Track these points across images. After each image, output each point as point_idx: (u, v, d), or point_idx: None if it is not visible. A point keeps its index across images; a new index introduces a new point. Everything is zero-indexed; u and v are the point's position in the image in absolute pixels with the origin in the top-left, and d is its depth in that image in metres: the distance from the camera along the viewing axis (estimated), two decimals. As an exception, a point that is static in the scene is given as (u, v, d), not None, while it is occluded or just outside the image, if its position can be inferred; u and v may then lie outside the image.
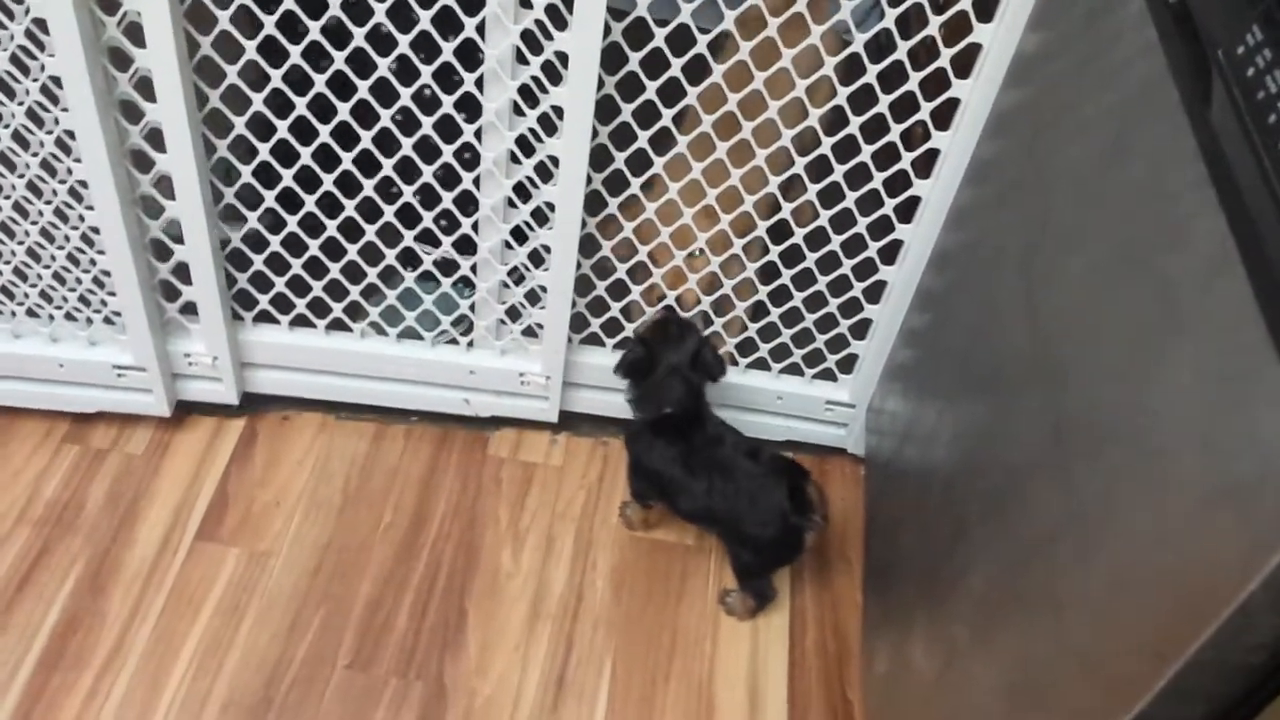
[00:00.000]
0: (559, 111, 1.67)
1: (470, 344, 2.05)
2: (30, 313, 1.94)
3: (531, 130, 1.72)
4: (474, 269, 1.92)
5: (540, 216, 1.83)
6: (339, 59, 1.65)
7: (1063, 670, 1.14)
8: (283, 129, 1.74)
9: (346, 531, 1.98)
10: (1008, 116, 1.61)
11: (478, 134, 1.73)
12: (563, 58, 1.61)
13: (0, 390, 2.01)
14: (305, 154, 1.77)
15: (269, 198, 1.81)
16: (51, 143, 1.70)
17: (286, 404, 2.14)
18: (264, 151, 1.76)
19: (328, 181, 1.79)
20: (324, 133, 1.74)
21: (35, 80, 1.63)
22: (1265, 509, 0.84)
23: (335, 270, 1.92)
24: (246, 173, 1.78)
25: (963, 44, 1.60)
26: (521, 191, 1.80)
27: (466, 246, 1.89)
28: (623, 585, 1.97)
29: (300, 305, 1.97)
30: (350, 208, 1.83)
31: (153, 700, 1.74)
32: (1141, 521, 1.02)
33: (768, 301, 1.99)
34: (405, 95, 1.68)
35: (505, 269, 1.91)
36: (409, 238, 1.88)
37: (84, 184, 1.72)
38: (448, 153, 1.75)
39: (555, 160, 1.73)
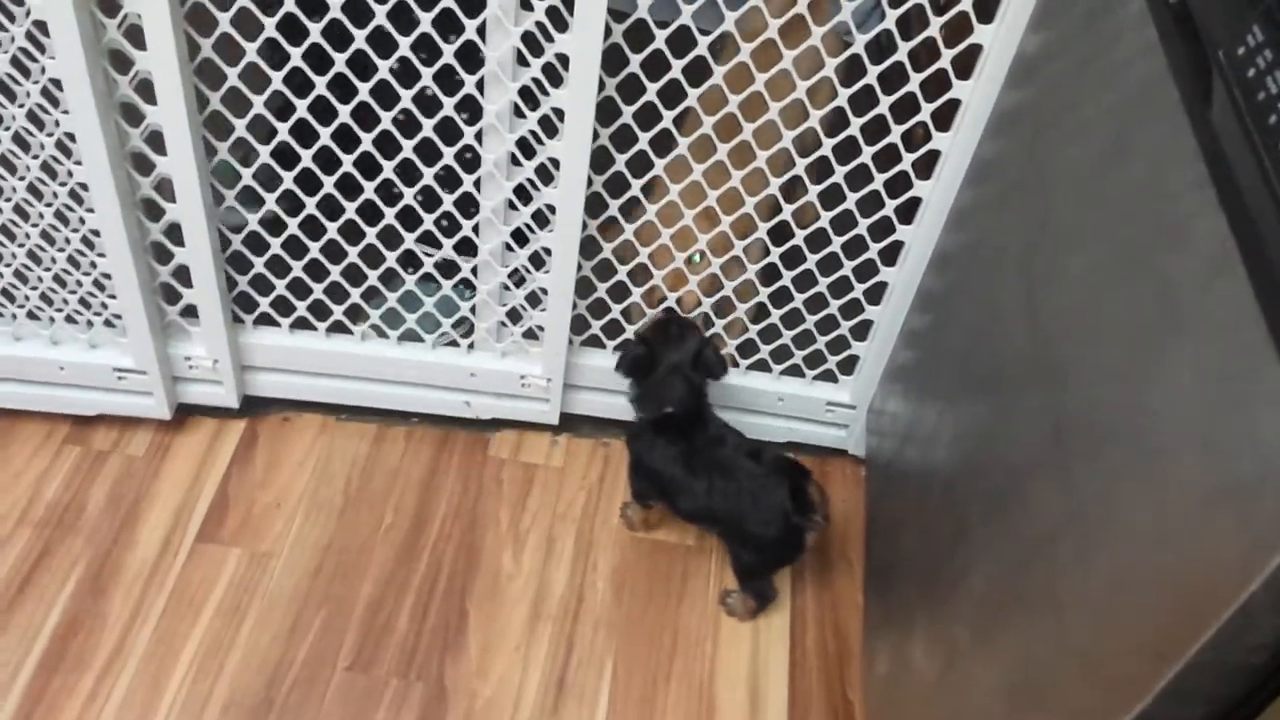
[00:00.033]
0: (560, 113, 1.67)
1: (471, 346, 2.05)
2: (31, 315, 1.94)
3: (532, 132, 1.72)
4: (474, 271, 1.92)
5: (541, 219, 1.83)
6: (339, 61, 1.65)
7: (1063, 671, 1.14)
8: (283, 131, 1.74)
9: (347, 533, 1.98)
10: (1008, 117, 1.61)
11: (478, 136, 1.73)
12: (563, 60, 1.61)
13: (1, 392, 2.01)
14: (306, 157, 1.77)
15: (269, 200, 1.81)
16: (52, 145, 1.70)
17: (287, 406, 2.14)
18: (264, 154, 1.76)
19: (328, 184, 1.79)
20: (325, 135, 1.74)
21: (36, 83, 1.63)
22: (1265, 509, 0.84)
23: (336, 273, 1.92)
24: (247, 175, 1.78)
25: (963, 45, 1.60)
26: (522, 193, 1.80)
27: (467, 248, 1.89)
28: (623, 586, 1.97)
29: (301, 308, 1.97)
30: (351, 210, 1.83)
31: (153, 702, 1.74)
32: (1142, 521, 1.02)
33: (768, 303, 1.99)
34: (406, 97, 1.68)
35: (506, 271, 1.91)
36: (410, 240, 1.88)
37: (84, 186, 1.72)
38: (448, 155, 1.75)
39: (556, 162, 1.73)
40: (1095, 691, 1.07)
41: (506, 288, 1.95)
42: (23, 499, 1.95)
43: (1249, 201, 0.91)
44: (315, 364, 2.06)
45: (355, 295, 1.95)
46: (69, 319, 1.95)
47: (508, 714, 1.79)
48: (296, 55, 1.63)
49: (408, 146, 1.75)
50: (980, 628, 1.37)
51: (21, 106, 1.67)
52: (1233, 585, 0.86)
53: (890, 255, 1.88)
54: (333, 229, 1.85)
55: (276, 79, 1.65)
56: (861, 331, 2.00)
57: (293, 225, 1.85)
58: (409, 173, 1.79)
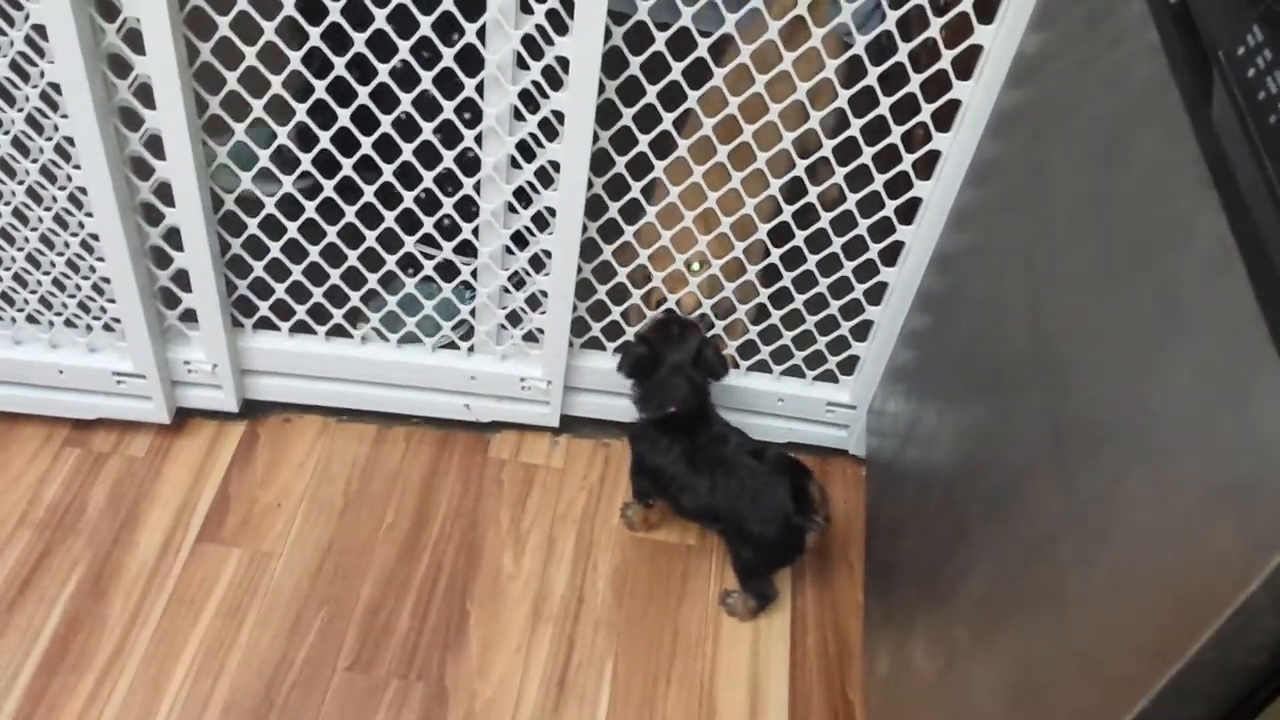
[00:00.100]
0: (560, 116, 1.67)
1: (471, 349, 2.05)
2: (30, 319, 1.94)
3: (532, 135, 1.72)
4: (474, 274, 1.92)
5: (541, 221, 1.83)
6: (339, 65, 1.65)
7: (1063, 670, 1.14)
8: (283, 135, 1.74)
9: (348, 533, 1.98)
10: (1009, 118, 1.61)
11: (478, 139, 1.73)
12: (563, 62, 1.61)
13: (0, 396, 2.01)
14: (305, 160, 1.77)
15: (269, 203, 1.81)
16: (51, 149, 1.70)
17: (287, 409, 2.14)
18: (264, 158, 1.76)
19: (328, 187, 1.79)
20: (324, 139, 1.74)
21: (35, 87, 1.63)
22: (1265, 509, 0.84)
23: (335, 276, 1.92)
24: (246, 179, 1.78)
25: (964, 45, 1.61)
26: (522, 196, 1.80)
27: (467, 250, 1.89)
28: (624, 586, 1.97)
29: (300, 312, 1.97)
30: (350, 213, 1.83)
31: (154, 702, 1.75)
32: (1142, 521, 1.02)
33: (769, 304, 1.99)
34: (406, 100, 1.68)
35: (506, 274, 1.91)
36: (410, 243, 1.88)
37: (83, 190, 1.72)
38: (448, 158, 1.75)
39: (556, 165, 1.74)
40: (1095, 691, 1.07)
41: (506, 290, 1.95)
42: (23, 500, 1.95)
43: (1249, 201, 0.91)
44: (315, 368, 2.06)
45: (355, 299, 1.95)
46: (68, 323, 1.95)
47: (508, 714, 1.79)
48: (296, 59, 1.63)
49: (408, 150, 1.75)
50: (980, 628, 1.37)
51: (21, 110, 1.67)
52: (1233, 585, 0.86)
53: (890, 256, 1.88)
54: (332, 232, 1.85)
55: (276, 83, 1.65)
56: (862, 332, 2.00)
57: (292, 229, 1.85)
58: (409, 176, 1.79)
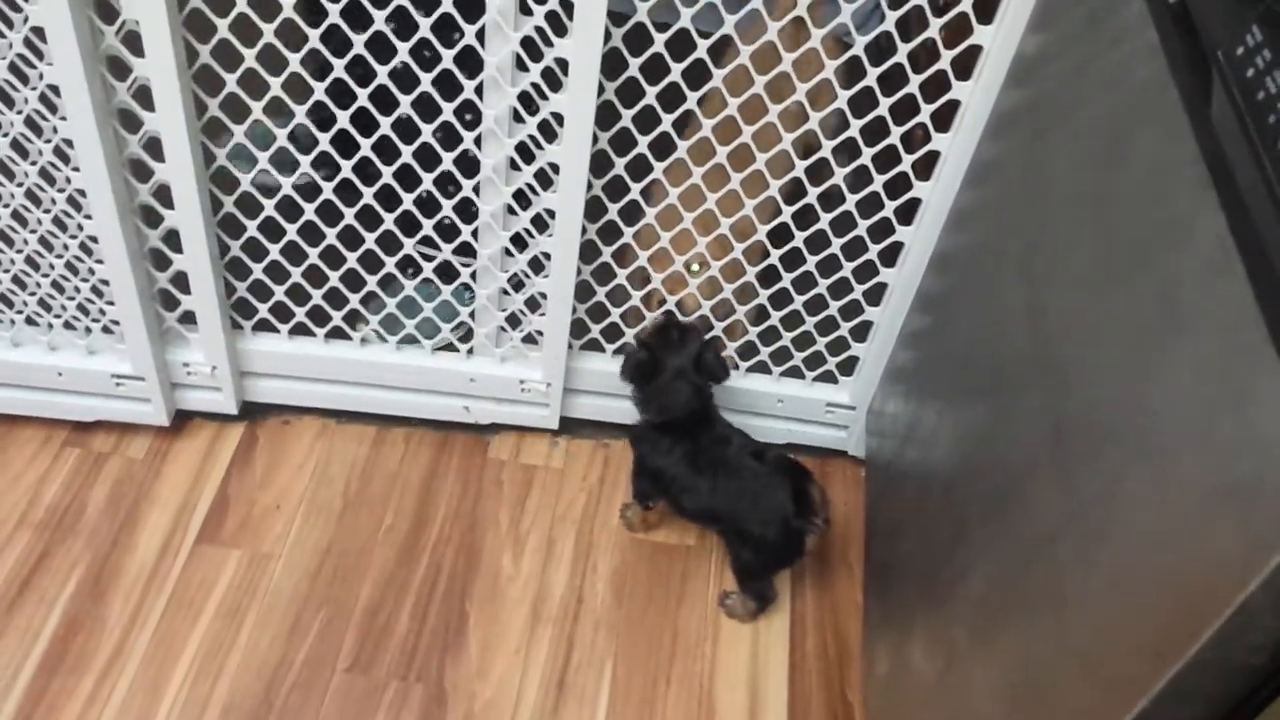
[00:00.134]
0: (559, 118, 1.67)
1: (470, 351, 2.05)
2: (29, 321, 1.94)
3: (531, 137, 1.72)
4: (474, 276, 1.92)
5: (540, 223, 1.83)
6: (338, 67, 1.65)
7: (1063, 671, 1.14)
8: (282, 137, 1.74)
9: (347, 535, 1.98)
10: (1008, 118, 1.61)
11: (477, 140, 1.73)
12: (563, 64, 1.61)
13: None
14: (304, 162, 1.77)
15: (268, 206, 1.81)
16: (50, 151, 1.70)
17: (286, 411, 2.14)
18: (263, 160, 1.76)
19: (327, 189, 1.79)
20: (324, 140, 1.74)
21: (34, 89, 1.63)
22: (1265, 509, 0.84)
23: (335, 278, 1.92)
24: (246, 181, 1.78)
25: (963, 46, 1.61)
26: (521, 198, 1.80)
27: (466, 252, 1.89)
28: (623, 587, 1.97)
29: (300, 314, 1.97)
30: (350, 215, 1.83)
31: (153, 704, 1.75)
32: (1142, 521, 1.02)
33: (768, 305, 1.99)
34: (405, 103, 1.68)
35: (505, 276, 1.91)
36: (409, 245, 1.88)
37: (82, 193, 1.72)
38: (447, 160, 1.75)
39: (555, 167, 1.73)
40: (1095, 692, 1.07)
41: (506, 292, 1.95)
42: (22, 501, 1.95)
43: (1248, 201, 0.91)
44: (314, 369, 2.06)
45: (354, 301, 1.95)
46: (67, 325, 1.95)
47: (507, 715, 1.79)
48: (295, 61, 1.63)
49: (407, 152, 1.75)
50: (980, 628, 1.37)
51: (19, 113, 1.67)
52: (1232, 585, 0.86)
53: (890, 256, 1.88)
54: (332, 234, 1.85)
55: (275, 85, 1.65)
56: (861, 333, 2.00)
57: (291, 231, 1.85)
58: (408, 177, 1.79)
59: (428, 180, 1.78)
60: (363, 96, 1.67)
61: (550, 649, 1.88)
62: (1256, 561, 0.83)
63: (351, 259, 1.89)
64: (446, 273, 1.96)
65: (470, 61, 1.63)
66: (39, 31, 1.53)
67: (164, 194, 1.76)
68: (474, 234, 1.85)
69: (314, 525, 1.98)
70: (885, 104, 1.68)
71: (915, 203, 1.80)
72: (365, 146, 1.74)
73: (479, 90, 1.67)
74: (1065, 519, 1.17)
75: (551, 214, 1.79)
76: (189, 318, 1.94)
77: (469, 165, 1.76)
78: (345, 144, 1.75)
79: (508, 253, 1.88)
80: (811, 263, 1.90)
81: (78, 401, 2.02)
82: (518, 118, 1.70)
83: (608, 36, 1.58)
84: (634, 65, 1.65)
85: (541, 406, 2.11)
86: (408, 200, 1.81)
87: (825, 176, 1.81)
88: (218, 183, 1.79)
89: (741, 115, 1.72)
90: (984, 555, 1.39)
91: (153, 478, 2.02)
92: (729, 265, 1.94)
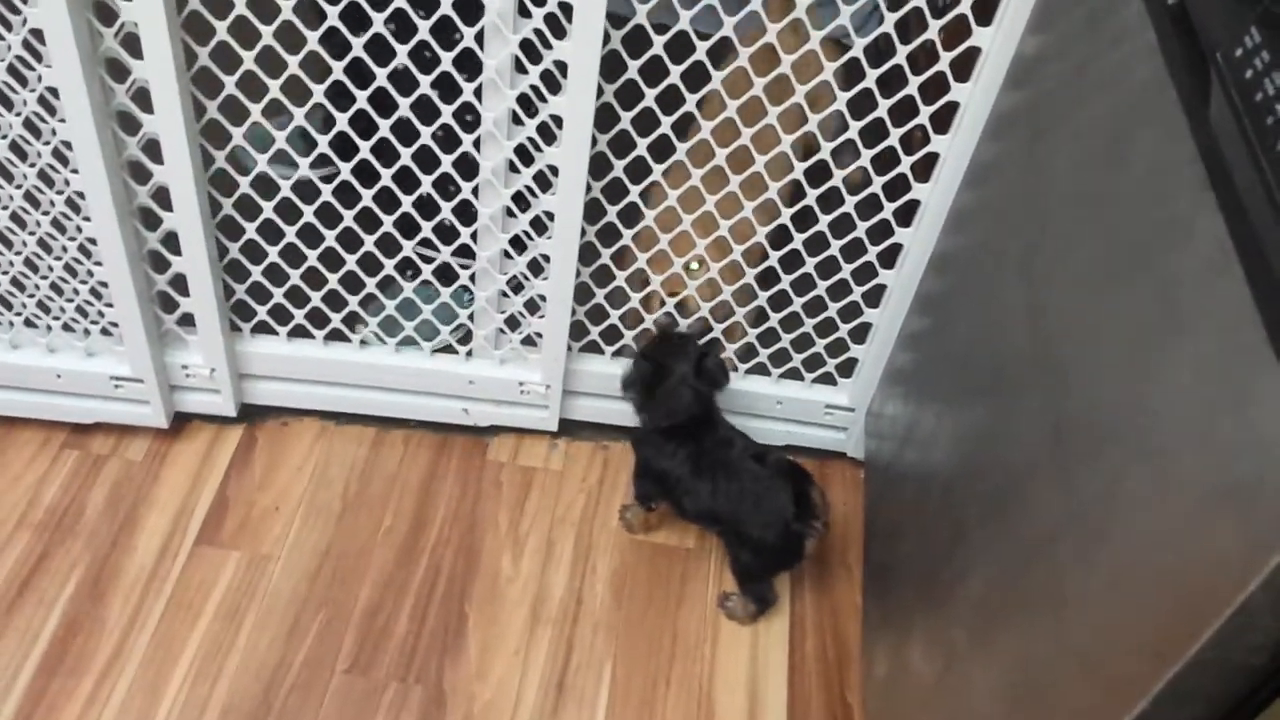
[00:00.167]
0: (558, 120, 1.67)
1: (469, 353, 2.05)
2: (28, 323, 1.94)
3: (530, 139, 1.72)
4: (473, 278, 1.92)
5: (539, 225, 1.83)
6: (337, 69, 1.65)
7: (1062, 671, 1.14)
8: (281, 139, 1.74)
9: (346, 536, 1.98)
10: (1007, 119, 1.61)
11: (476, 143, 1.73)
12: (562, 66, 1.61)
13: (-1, 399, 2.02)
14: (304, 165, 1.77)
15: (267, 208, 1.81)
16: (49, 154, 1.70)
17: (285, 413, 2.14)
18: (262, 162, 1.76)
19: (326, 192, 1.79)
20: (323, 143, 1.74)
21: (33, 91, 1.63)
22: (1265, 509, 0.84)
23: (334, 280, 1.92)
24: (245, 183, 1.79)
25: (962, 48, 1.61)
26: (520, 200, 1.80)
27: (465, 254, 1.89)
28: (623, 589, 1.97)
29: (298, 316, 1.97)
30: (349, 218, 1.83)
31: (152, 705, 1.75)
32: (1142, 522, 1.02)
33: (767, 307, 1.99)
34: (404, 105, 1.68)
35: (504, 278, 1.91)
36: (408, 247, 1.88)
37: (81, 195, 1.72)
38: (447, 162, 1.75)
39: (554, 169, 1.74)
40: (1095, 692, 1.07)
41: (505, 294, 1.95)
42: (21, 502, 1.95)
43: (1247, 202, 0.91)
44: (313, 372, 2.06)
45: (353, 303, 1.95)
46: (66, 327, 1.95)
47: (507, 717, 1.79)
48: (294, 64, 1.63)
49: (406, 154, 1.75)
50: (979, 629, 1.37)
51: (18, 115, 1.67)
52: (1232, 585, 0.86)
53: (889, 258, 1.88)
54: (330, 236, 1.85)
55: (274, 87, 1.65)
56: (860, 334, 2.01)
57: (290, 233, 1.85)
58: (407, 179, 1.79)
59: (427, 182, 1.78)
60: (362, 99, 1.67)
61: (549, 650, 1.88)
62: (1256, 561, 0.83)
63: (350, 261, 1.89)
64: (445, 275, 1.96)
65: (469, 64, 1.63)
66: (38, 33, 1.53)
67: (163, 196, 1.76)
68: (473, 236, 1.85)
69: (313, 527, 1.98)
70: (884, 106, 1.69)
71: (914, 204, 1.80)
72: (365, 149, 1.74)
73: (478, 92, 1.67)
74: (1065, 519, 1.17)
75: (550, 216, 1.80)
76: (188, 320, 1.94)
77: (468, 167, 1.76)
78: (345, 146, 1.75)
79: (507, 255, 1.88)
80: (811, 264, 1.90)
81: (76, 403, 2.02)
82: (517, 120, 1.70)
83: (607, 39, 1.58)
84: (633, 68, 1.65)
85: (540, 408, 2.11)
86: (407, 202, 1.82)
87: (825, 178, 1.81)
88: (216, 185, 1.79)
89: (741, 117, 1.72)
90: (983, 556, 1.39)
91: (151, 480, 2.02)
92: (728, 267, 1.94)
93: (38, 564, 1.88)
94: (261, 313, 1.97)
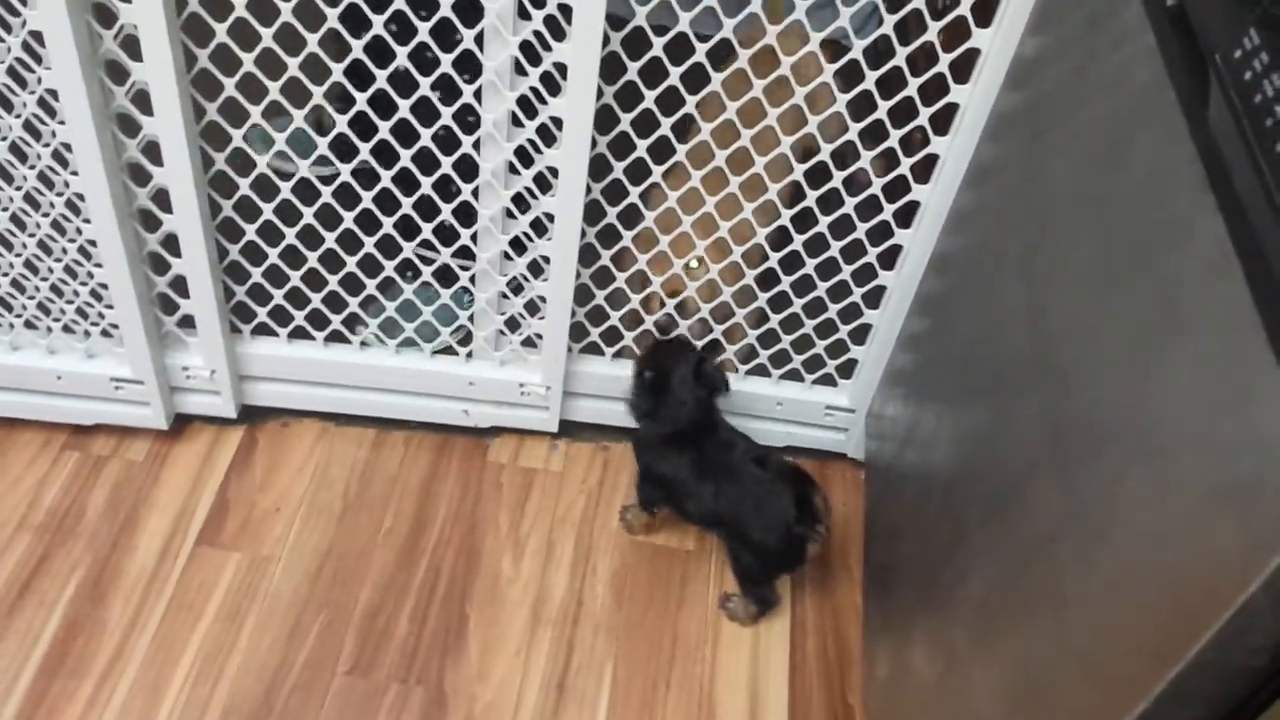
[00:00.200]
0: (558, 122, 1.67)
1: (469, 355, 2.05)
2: (28, 325, 1.94)
3: (530, 141, 1.72)
4: (473, 279, 1.92)
5: (539, 227, 1.83)
6: (337, 71, 1.65)
7: (1063, 672, 1.14)
8: (280, 141, 1.74)
9: (347, 537, 1.98)
10: (1007, 120, 1.61)
11: (476, 144, 1.73)
12: (561, 68, 1.61)
13: (-1, 401, 2.02)
14: (303, 166, 1.77)
15: (267, 210, 1.81)
16: (49, 155, 1.70)
17: (285, 415, 2.14)
18: (262, 164, 1.76)
19: (326, 193, 1.79)
20: (322, 145, 1.74)
21: (32, 93, 1.63)
22: (1265, 510, 0.84)
23: (334, 282, 1.92)
24: (245, 185, 1.79)
25: (961, 49, 1.61)
26: (520, 202, 1.80)
27: (466, 255, 1.89)
28: (623, 590, 1.97)
29: (299, 317, 1.97)
30: (349, 219, 1.83)
31: (153, 707, 1.74)
32: (1142, 522, 1.02)
33: (767, 308, 1.99)
34: (404, 107, 1.68)
35: (504, 279, 1.91)
36: (408, 249, 1.88)
37: (81, 197, 1.72)
38: (447, 164, 1.75)
39: (554, 171, 1.74)
40: (1095, 693, 1.07)
41: (505, 296, 1.95)
42: (22, 504, 1.95)
43: (1246, 203, 0.91)
44: (313, 373, 2.06)
45: (353, 304, 1.95)
46: (66, 329, 1.95)
47: (508, 718, 1.79)
48: (294, 66, 1.63)
49: (406, 156, 1.75)
50: (980, 630, 1.37)
51: (18, 117, 1.67)
52: (1233, 586, 0.86)
53: (889, 259, 1.88)
54: (330, 238, 1.86)
55: (274, 89, 1.65)
56: (860, 335, 2.01)
57: (290, 235, 1.85)
58: (407, 181, 1.79)
59: (427, 184, 1.78)
60: (361, 100, 1.68)
61: (550, 651, 1.88)
62: (1257, 562, 0.83)
63: (351, 263, 1.89)
64: (446, 276, 1.96)
65: (469, 66, 1.63)
66: (37, 35, 1.53)
67: (163, 198, 1.76)
68: (473, 237, 1.85)
69: (313, 528, 1.98)
70: (884, 107, 1.69)
71: (914, 205, 1.80)
72: (365, 150, 1.74)
73: (478, 94, 1.67)
74: (1065, 520, 1.18)
75: (550, 218, 1.80)
76: (188, 321, 1.94)
77: (468, 169, 1.76)
78: (345, 147, 1.75)
79: (507, 256, 1.88)
80: (811, 266, 1.90)
81: (77, 405, 2.02)
82: (516, 122, 1.70)
83: (606, 40, 1.58)
84: (632, 69, 1.65)
85: (541, 410, 2.11)
86: (407, 204, 1.82)
87: (825, 180, 1.81)
88: (216, 187, 1.79)
89: (740, 119, 1.72)
90: (984, 557, 1.39)
91: (152, 481, 2.02)
92: (728, 268, 1.94)
93: (38, 566, 1.88)
94: (262, 314, 1.97)
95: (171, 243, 1.82)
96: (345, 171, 1.77)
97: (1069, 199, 1.33)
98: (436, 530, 2.01)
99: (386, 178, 1.78)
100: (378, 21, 1.59)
